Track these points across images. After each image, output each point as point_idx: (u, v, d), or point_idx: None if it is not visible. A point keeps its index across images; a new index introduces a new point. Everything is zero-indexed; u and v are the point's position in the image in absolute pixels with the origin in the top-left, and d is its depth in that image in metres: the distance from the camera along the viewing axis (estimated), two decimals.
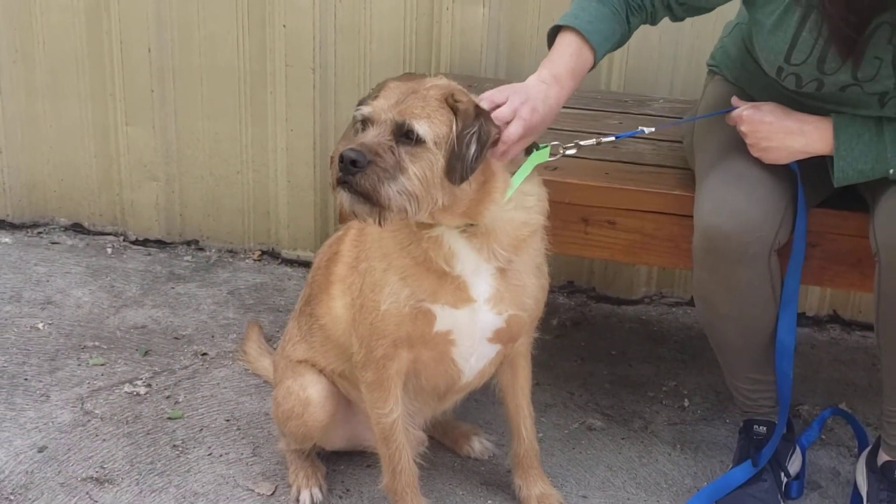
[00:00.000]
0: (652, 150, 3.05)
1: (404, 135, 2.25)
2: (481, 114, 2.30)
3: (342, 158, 2.22)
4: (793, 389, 2.78)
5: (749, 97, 2.73)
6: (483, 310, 2.46)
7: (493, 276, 2.44)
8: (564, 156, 2.56)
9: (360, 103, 2.34)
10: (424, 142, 2.24)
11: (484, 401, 3.12)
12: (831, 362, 3.47)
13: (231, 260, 3.91)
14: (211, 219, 3.91)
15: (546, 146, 2.50)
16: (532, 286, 2.50)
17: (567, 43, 2.58)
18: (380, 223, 2.27)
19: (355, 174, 2.22)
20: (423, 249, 2.41)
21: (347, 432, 2.84)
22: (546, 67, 2.55)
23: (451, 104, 2.28)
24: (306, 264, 3.85)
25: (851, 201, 2.72)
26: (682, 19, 2.75)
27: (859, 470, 2.90)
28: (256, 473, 2.90)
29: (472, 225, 2.37)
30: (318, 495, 2.82)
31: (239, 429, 3.07)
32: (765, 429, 2.86)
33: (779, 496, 2.81)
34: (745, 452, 2.86)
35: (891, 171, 2.54)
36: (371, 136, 2.25)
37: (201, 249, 3.95)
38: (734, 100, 2.70)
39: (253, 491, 2.84)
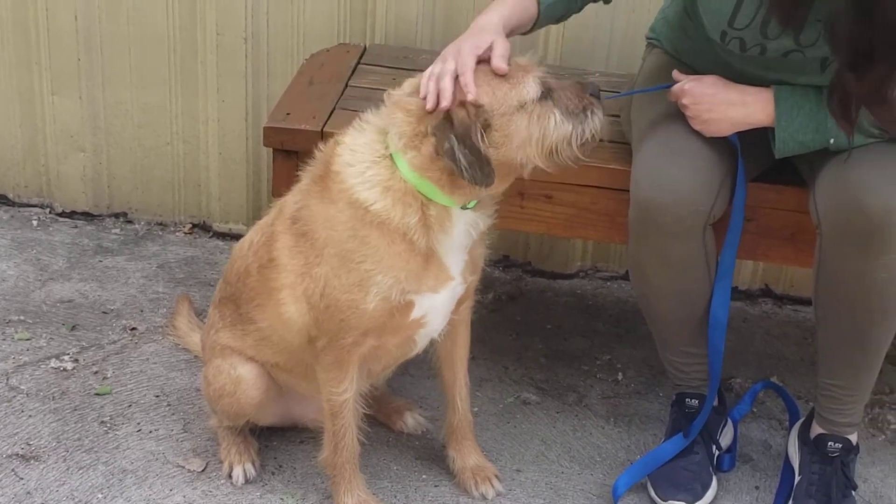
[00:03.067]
0: None
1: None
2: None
3: (592, 86, 2.39)
4: (724, 363, 2.79)
5: (689, 69, 2.73)
6: (456, 283, 2.48)
7: (464, 251, 2.46)
8: None
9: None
10: None
11: (418, 375, 3.11)
12: (763, 336, 3.50)
13: (161, 233, 3.84)
14: (140, 191, 3.83)
15: None
16: (484, 250, 2.56)
17: None
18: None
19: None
20: (428, 234, 2.39)
21: (281, 409, 2.81)
22: (498, 11, 2.54)
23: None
24: (238, 237, 3.76)
25: (786, 175, 2.74)
26: None
27: (791, 442, 2.93)
28: (187, 450, 2.86)
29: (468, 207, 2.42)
30: (250, 471, 2.78)
31: (169, 405, 3.01)
32: (697, 402, 2.88)
33: (710, 469, 2.83)
34: (677, 425, 2.87)
35: (831, 141, 2.56)
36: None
37: (130, 222, 3.87)
38: (675, 73, 2.69)
39: (183, 467, 2.80)
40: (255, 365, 2.68)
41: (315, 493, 2.76)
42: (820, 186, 2.57)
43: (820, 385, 2.79)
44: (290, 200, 2.53)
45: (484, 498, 2.76)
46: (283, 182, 2.95)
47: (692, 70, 2.71)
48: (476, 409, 3.05)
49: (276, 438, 2.90)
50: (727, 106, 2.59)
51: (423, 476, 2.84)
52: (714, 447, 2.87)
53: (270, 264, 2.53)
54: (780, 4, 2.42)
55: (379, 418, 2.98)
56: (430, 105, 2.33)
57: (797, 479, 2.81)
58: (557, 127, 2.34)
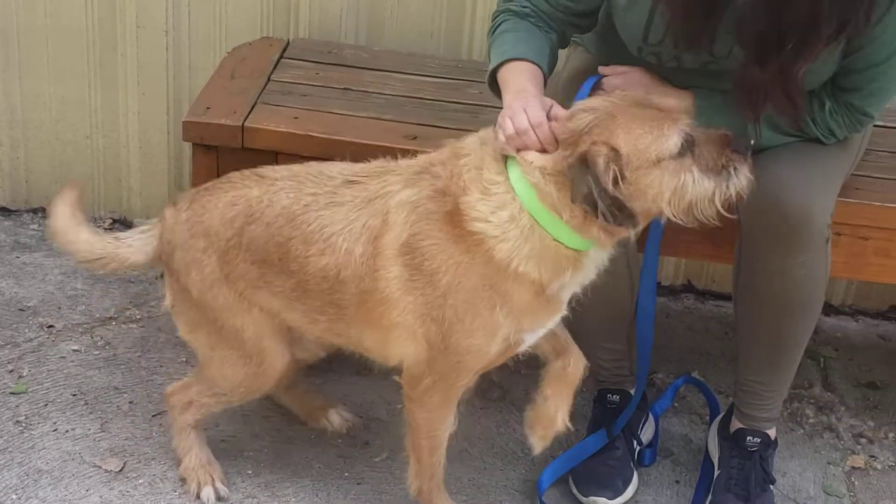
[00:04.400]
0: None
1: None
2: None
3: (736, 142, 2.29)
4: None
5: None
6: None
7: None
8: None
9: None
10: None
11: (342, 372, 3.08)
12: (685, 331, 3.53)
13: None
14: (59, 185, 3.71)
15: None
16: None
17: (515, 68, 2.50)
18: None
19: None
20: (574, 277, 2.34)
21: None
22: (525, 81, 2.46)
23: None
24: None
25: None
26: (586, 28, 2.72)
27: (711, 437, 2.96)
28: (104, 449, 2.81)
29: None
30: (221, 488, 2.71)
31: (86, 403, 2.96)
32: (618, 397, 2.90)
33: (631, 464, 2.85)
34: (599, 421, 2.89)
35: (752, 141, 2.58)
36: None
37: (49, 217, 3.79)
38: (602, 68, 2.66)
39: (100, 468, 2.75)
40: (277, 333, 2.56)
41: (235, 492, 2.73)
42: None
43: (740, 380, 2.82)
44: (399, 217, 2.32)
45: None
46: (202, 177, 2.91)
47: None
48: (400, 405, 3.04)
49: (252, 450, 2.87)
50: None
51: (346, 473, 2.82)
52: (635, 442, 2.89)
53: (375, 293, 2.36)
54: (682, 32, 2.43)
55: (300, 416, 2.95)
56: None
57: (717, 473, 2.84)
58: (696, 185, 2.24)
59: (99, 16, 3.50)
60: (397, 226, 2.32)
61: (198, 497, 2.69)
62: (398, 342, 2.42)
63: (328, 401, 2.98)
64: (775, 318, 2.65)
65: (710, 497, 2.80)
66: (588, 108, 2.27)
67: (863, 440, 3.10)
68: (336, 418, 2.94)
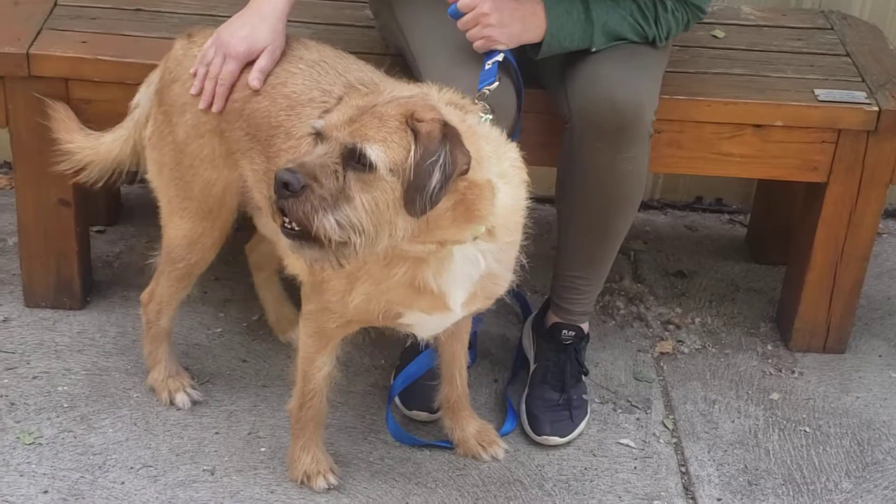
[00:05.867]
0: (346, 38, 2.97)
1: (356, 159, 1.97)
2: (448, 136, 2.00)
3: (276, 178, 1.95)
4: None
5: None
6: (454, 312, 2.33)
7: (474, 285, 2.27)
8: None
9: (321, 115, 2.08)
10: (376, 169, 1.96)
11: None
12: None
13: None
14: None
15: (486, 117, 2.27)
16: (507, 278, 2.34)
17: None
18: (339, 264, 2.00)
19: (288, 199, 1.94)
20: (413, 272, 2.19)
21: None
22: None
23: (413, 125, 2.00)
24: None
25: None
26: None
27: (525, 333, 3.04)
28: None
29: (476, 237, 2.16)
30: (193, 393, 2.80)
31: None
32: None
33: None
34: None
35: (593, 49, 2.64)
36: (315, 155, 1.97)
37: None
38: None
39: None
40: None
41: (51, 427, 2.69)
42: (572, 85, 2.64)
43: (558, 276, 2.89)
44: None
45: (495, 459, 2.73)
46: None
47: None
48: (220, 329, 3.03)
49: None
50: (510, 21, 2.55)
51: None
52: None
53: None
54: None
55: (269, 321, 3.03)
56: (203, 105, 2.26)
57: (532, 367, 2.92)
58: None
59: None
60: None
61: (171, 404, 2.77)
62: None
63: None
64: (601, 213, 2.73)
65: (526, 390, 2.88)
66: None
67: (671, 327, 3.22)
68: None
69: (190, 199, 2.56)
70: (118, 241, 3.37)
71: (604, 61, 2.63)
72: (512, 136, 2.65)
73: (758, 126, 2.86)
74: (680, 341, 3.17)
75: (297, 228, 1.99)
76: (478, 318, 3.06)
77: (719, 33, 3.16)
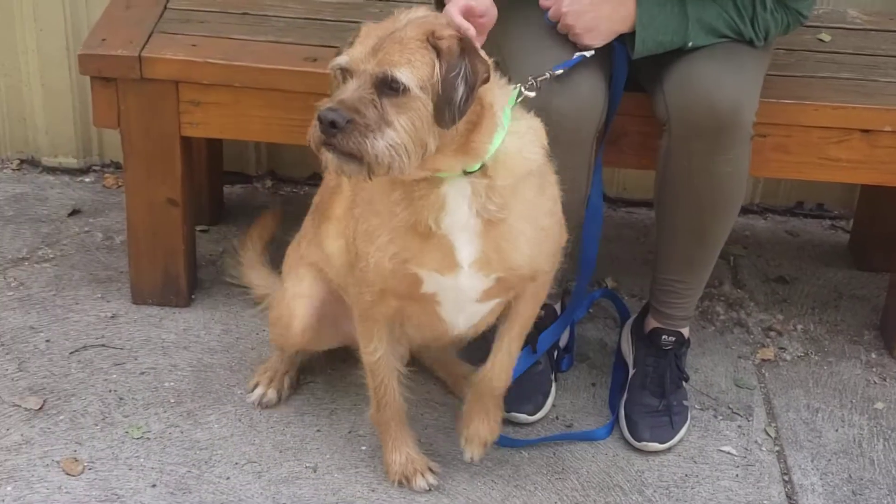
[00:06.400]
0: None
1: (388, 85, 2.07)
2: (466, 49, 2.12)
3: (320, 120, 2.06)
4: (563, 267, 2.84)
5: None
6: (468, 274, 2.33)
7: (479, 236, 2.29)
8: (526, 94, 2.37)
9: (338, 53, 2.16)
10: (409, 90, 2.07)
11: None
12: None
13: None
14: None
15: (518, 86, 2.34)
16: (526, 241, 2.32)
17: None
18: (369, 177, 2.11)
19: (336, 135, 2.05)
20: (412, 209, 2.25)
21: (340, 335, 2.76)
22: None
23: (433, 43, 2.10)
24: (69, 171, 3.70)
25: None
26: None
27: (624, 339, 3.03)
28: (23, 388, 2.81)
29: (470, 172, 2.22)
30: (271, 396, 2.81)
31: (2, 344, 2.95)
32: (542, 311, 2.92)
33: (552, 376, 2.90)
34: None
35: (689, 43, 2.62)
36: (350, 90, 2.08)
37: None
38: (542, 1, 2.65)
39: (20, 406, 2.75)
40: (313, 303, 2.66)
41: (158, 423, 2.75)
42: (669, 85, 2.63)
43: (657, 280, 2.88)
44: None
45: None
46: (103, 110, 2.89)
47: None
48: None
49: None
50: (604, 3, 2.58)
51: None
52: (554, 351, 2.94)
53: (337, 188, 2.50)
54: None
55: (447, 383, 2.93)
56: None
57: (631, 372, 2.91)
58: None
59: None
60: None
61: (249, 392, 2.83)
62: (330, 238, 2.51)
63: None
64: (699, 217, 2.70)
65: (625, 395, 2.87)
66: None
67: (772, 333, 3.19)
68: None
69: None
70: (221, 240, 3.42)
71: (701, 60, 2.61)
72: (601, 137, 2.67)
73: (866, 131, 2.82)
74: (782, 348, 3.13)
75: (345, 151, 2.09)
76: (575, 318, 3.05)
77: (825, 37, 3.11)
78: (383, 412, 2.60)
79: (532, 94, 2.36)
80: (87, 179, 3.69)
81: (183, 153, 2.96)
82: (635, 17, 2.59)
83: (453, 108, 2.09)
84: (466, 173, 2.22)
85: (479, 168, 2.22)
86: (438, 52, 2.10)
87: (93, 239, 3.39)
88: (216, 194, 3.52)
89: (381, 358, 2.53)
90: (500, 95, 2.25)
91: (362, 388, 2.84)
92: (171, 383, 2.88)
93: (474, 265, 2.31)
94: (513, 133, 2.25)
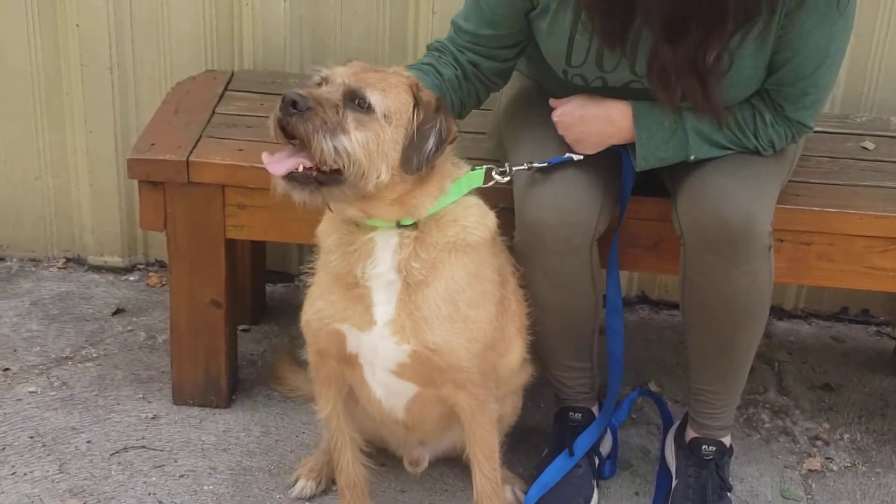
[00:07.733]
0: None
1: (356, 102, 2.19)
2: (441, 109, 2.28)
3: (283, 98, 2.15)
4: (603, 371, 2.83)
5: (550, 93, 2.75)
6: (382, 335, 2.35)
7: (398, 296, 2.32)
8: (495, 181, 2.52)
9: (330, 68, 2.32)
10: (374, 111, 2.19)
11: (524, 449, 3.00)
12: (641, 342, 3.55)
13: (34, 269, 3.75)
14: (10, 227, 3.75)
15: (481, 168, 2.45)
16: (440, 322, 2.32)
17: None
18: (324, 203, 2.23)
19: (293, 116, 2.14)
20: (344, 258, 2.33)
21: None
22: None
23: (415, 93, 2.26)
24: (114, 270, 3.74)
25: (653, 184, 2.77)
26: (513, 58, 2.73)
27: (667, 447, 2.99)
28: (63, 490, 2.80)
29: (403, 225, 2.30)
30: (310, 487, 2.82)
31: (44, 445, 2.95)
32: (580, 415, 2.91)
33: (593, 480, 2.86)
34: (560, 439, 2.88)
35: (692, 157, 2.61)
36: (321, 91, 2.21)
37: (1, 259, 3.78)
38: (551, 101, 2.71)
39: None
40: None
41: None
42: (680, 198, 2.62)
43: (692, 390, 2.84)
44: None
45: None
46: (150, 213, 2.93)
47: (552, 94, 2.74)
48: None
49: None
50: (594, 120, 2.63)
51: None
52: (595, 456, 2.91)
53: None
54: (605, 34, 2.48)
55: None
56: None
57: (674, 482, 2.86)
58: None
59: (43, 58, 3.50)
60: None
61: (292, 486, 2.85)
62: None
63: (508, 475, 2.85)
64: (721, 329, 2.67)
65: None
66: None
67: (819, 442, 3.13)
68: (510, 495, 2.83)
69: None
70: (262, 340, 3.44)
71: (710, 173, 2.59)
72: (610, 261, 2.71)
73: None
74: (829, 458, 3.08)
75: (305, 172, 2.18)
76: (616, 423, 3.02)
77: (869, 145, 3.12)
78: (338, 478, 2.63)
79: (504, 179, 2.51)
80: (131, 278, 3.73)
81: (227, 255, 2.98)
82: (632, 132, 2.60)
83: (421, 157, 2.21)
84: (399, 226, 2.29)
85: (413, 224, 2.30)
86: (417, 101, 2.25)
87: (136, 338, 3.41)
88: (259, 294, 3.54)
89: (330, 414, 2.57)
90: (453, 167, 2.38)
91: (400, 494, 2.82)
92: (211, 486, 2.86)
93: (389, 326, 2.35)
94: (458, 203, 2.35)
